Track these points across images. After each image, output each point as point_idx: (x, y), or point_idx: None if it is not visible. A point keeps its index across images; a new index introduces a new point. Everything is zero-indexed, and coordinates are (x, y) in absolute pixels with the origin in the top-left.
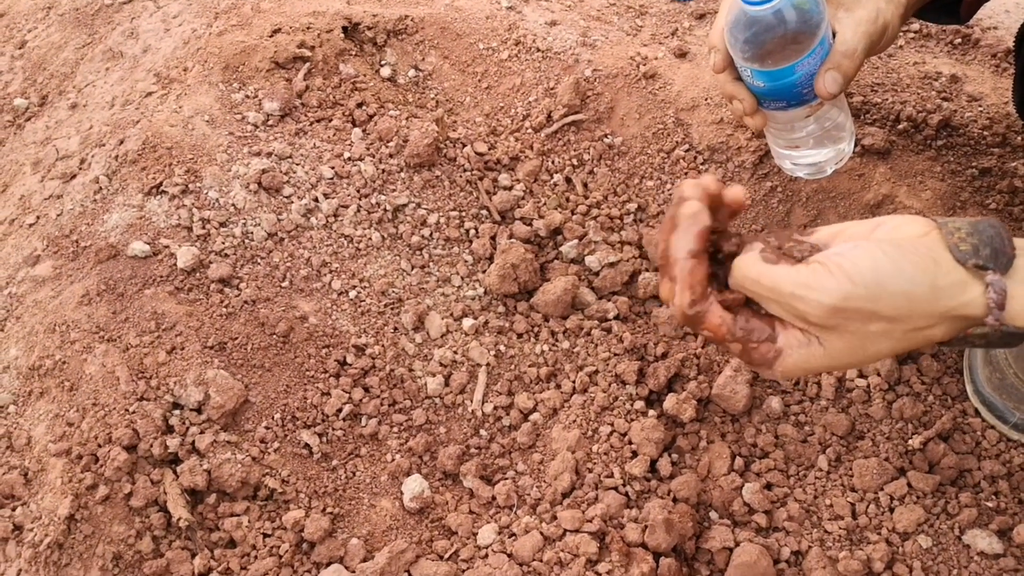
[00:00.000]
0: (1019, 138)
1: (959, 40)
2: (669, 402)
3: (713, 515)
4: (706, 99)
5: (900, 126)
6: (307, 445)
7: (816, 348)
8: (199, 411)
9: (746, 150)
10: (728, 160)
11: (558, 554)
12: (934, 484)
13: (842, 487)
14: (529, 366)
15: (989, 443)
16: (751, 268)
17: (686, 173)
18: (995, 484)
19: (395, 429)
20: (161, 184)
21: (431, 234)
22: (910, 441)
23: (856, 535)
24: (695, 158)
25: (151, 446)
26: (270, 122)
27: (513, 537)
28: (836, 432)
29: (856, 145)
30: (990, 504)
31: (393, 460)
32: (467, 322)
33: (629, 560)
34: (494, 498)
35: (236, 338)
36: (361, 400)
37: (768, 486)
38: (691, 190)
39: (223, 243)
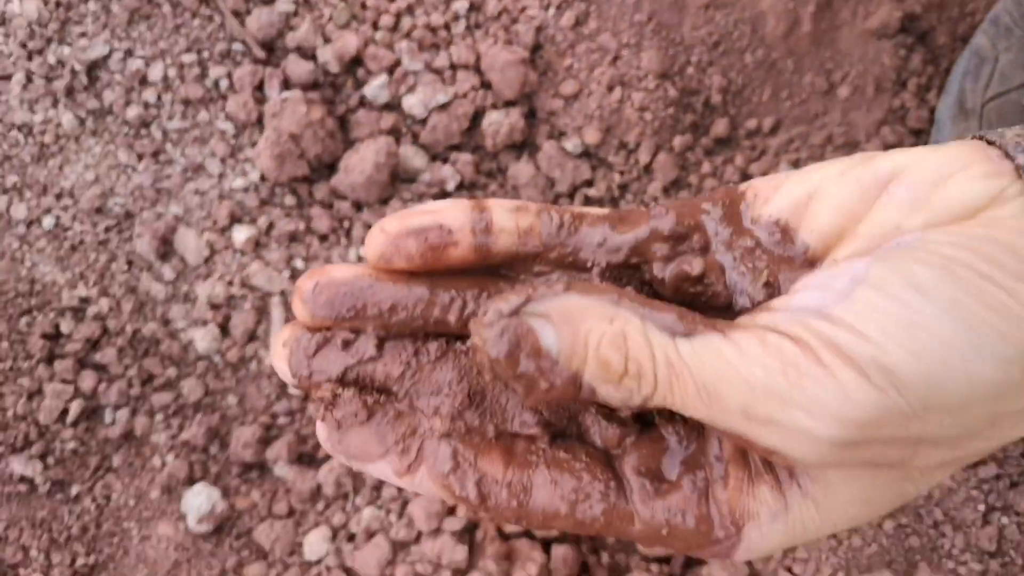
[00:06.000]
0: None
1: None
2: None
3: None
4: None
5: None
6: (24, 478)
7: (803, 510)
8: None
9: None
10: None
11: (414, 566)
12: None
13: None
14: None
15: None
16: (656, 353)
17: None
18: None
19: (160, 418)
20: None
21: (158, 99)
22: None
23: None
24: None
25: None
26: None
27: (353, 543)
28: None
29: None
30: None
31: (164, 466)
32: (240, 233)
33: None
34: (320, 487)
35: None
36: (97, 388)
37: None
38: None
39: None
